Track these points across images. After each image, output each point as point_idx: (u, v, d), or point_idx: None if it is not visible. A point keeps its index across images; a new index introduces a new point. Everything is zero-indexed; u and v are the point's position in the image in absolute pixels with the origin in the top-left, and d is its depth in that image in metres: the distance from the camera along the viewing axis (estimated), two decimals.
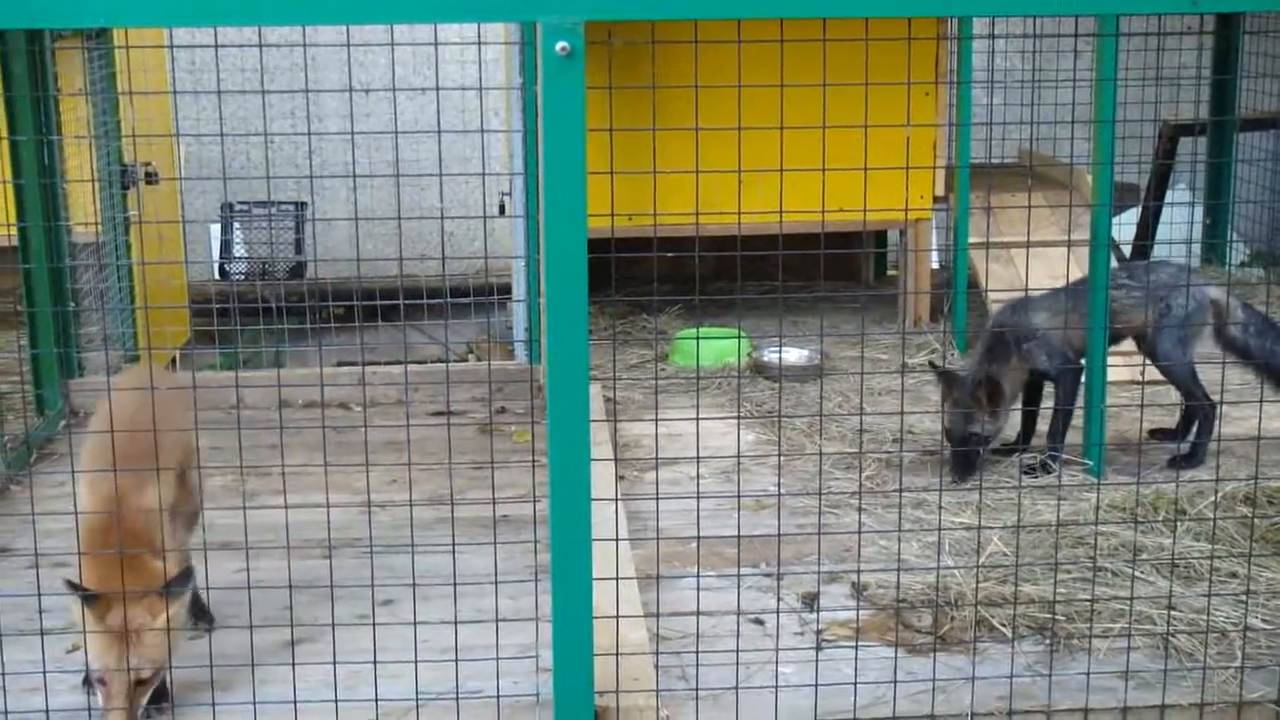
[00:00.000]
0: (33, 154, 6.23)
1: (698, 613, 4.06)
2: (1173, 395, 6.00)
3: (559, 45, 3.35)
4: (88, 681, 3.96)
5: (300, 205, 11.35)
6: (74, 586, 3.70)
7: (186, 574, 3.82)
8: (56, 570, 4.20)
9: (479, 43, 4.17)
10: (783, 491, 5.42)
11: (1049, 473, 5.58)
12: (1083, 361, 5.66)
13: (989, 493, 5.44)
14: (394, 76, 4.28)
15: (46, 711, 3.78)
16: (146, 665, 3.69)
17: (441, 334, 6.49)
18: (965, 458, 5.60)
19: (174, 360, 8.31)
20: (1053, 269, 6.91)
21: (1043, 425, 5.87)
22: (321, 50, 11.43)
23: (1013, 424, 5.92)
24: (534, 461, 4.10)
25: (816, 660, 4.08)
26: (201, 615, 4.28)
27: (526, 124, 6.28)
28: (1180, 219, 9.48)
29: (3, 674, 3.91)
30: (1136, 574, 4.66)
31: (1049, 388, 5.88)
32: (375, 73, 11.38)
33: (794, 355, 7.28)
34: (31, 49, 6.26)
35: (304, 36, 4.41)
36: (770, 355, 7.18)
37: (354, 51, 11.32)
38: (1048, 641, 4.32)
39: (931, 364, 5.69)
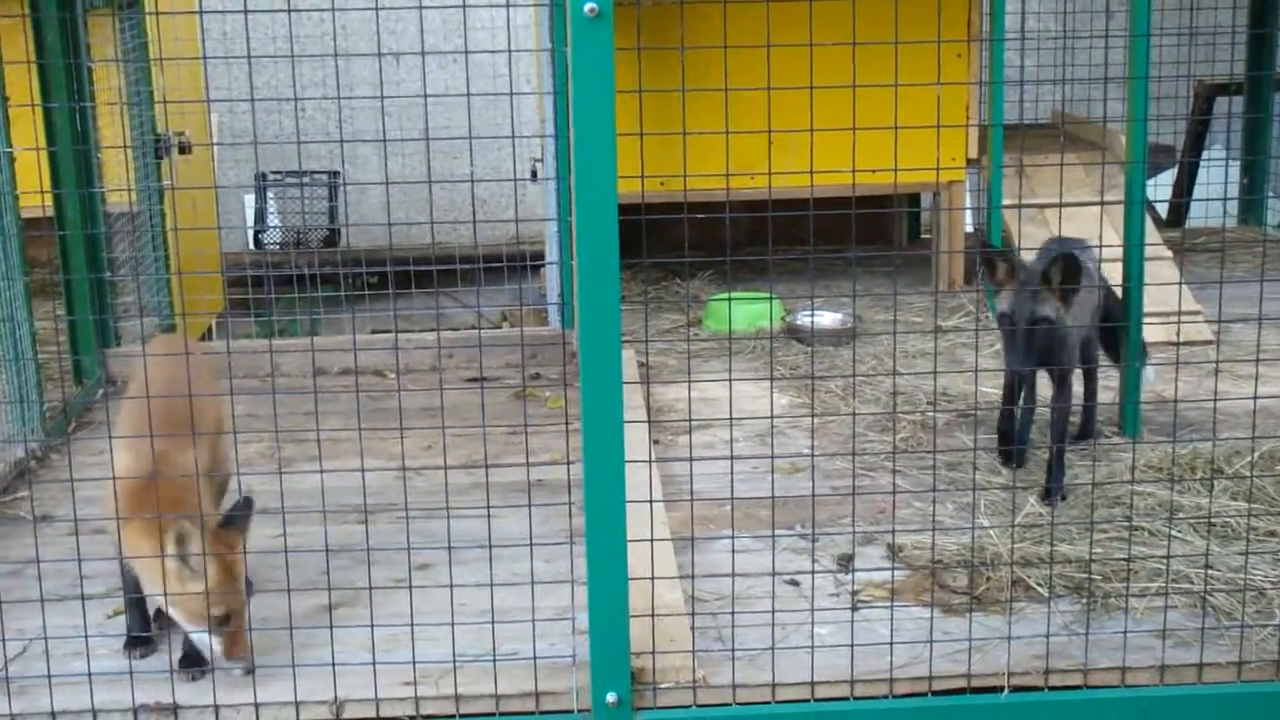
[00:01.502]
0: (67, 122, 6.26)
1: (733, 574, 4.07)
2: (1210, 354, 5.97)
3: (587, 6, 3.35)
4: (133, 644, 3.99)
5: (333, 174, 11.37)
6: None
7: (248, 502, 3.88)
8: (96, 537, 4.24)
9: (507, 5, 4.16)
10: (817, 454, 5.42)
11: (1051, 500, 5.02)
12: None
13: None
14: (423, 43, 4.27)
15: (89, 675, 3.81)
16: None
17: (474, 300, 6.49)
18: (1029, 340, 4.90)
19: (210, 329, 8.36)
20: (1088, 230, 6.87)
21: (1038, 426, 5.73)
22: (352, 19, 11.43)
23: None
24: (568, 426, 4.10)
25: (852, 621, 4.08)
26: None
27: (556, 87, 6.27)
28: (1216, 179, 9.41)
29: (46, 639, 3.95)
30: (1173, 533, 4.65)
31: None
32: (405, 41, 11.39)
33: (827, 318, 7.27)
34: (64, 16, 6.28)
35: (333, 2, 4.41)
36: (803, 319, 7.17)
37: (384, 20, 11.33)
38: (1084, 601, 4.31)
39: (984, 245, 5.37)
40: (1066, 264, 4.87)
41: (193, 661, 3.92)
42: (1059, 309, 4.93)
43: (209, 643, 3.82)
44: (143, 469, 3.86)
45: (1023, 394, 5.33)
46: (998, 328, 5.09)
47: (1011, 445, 5.29)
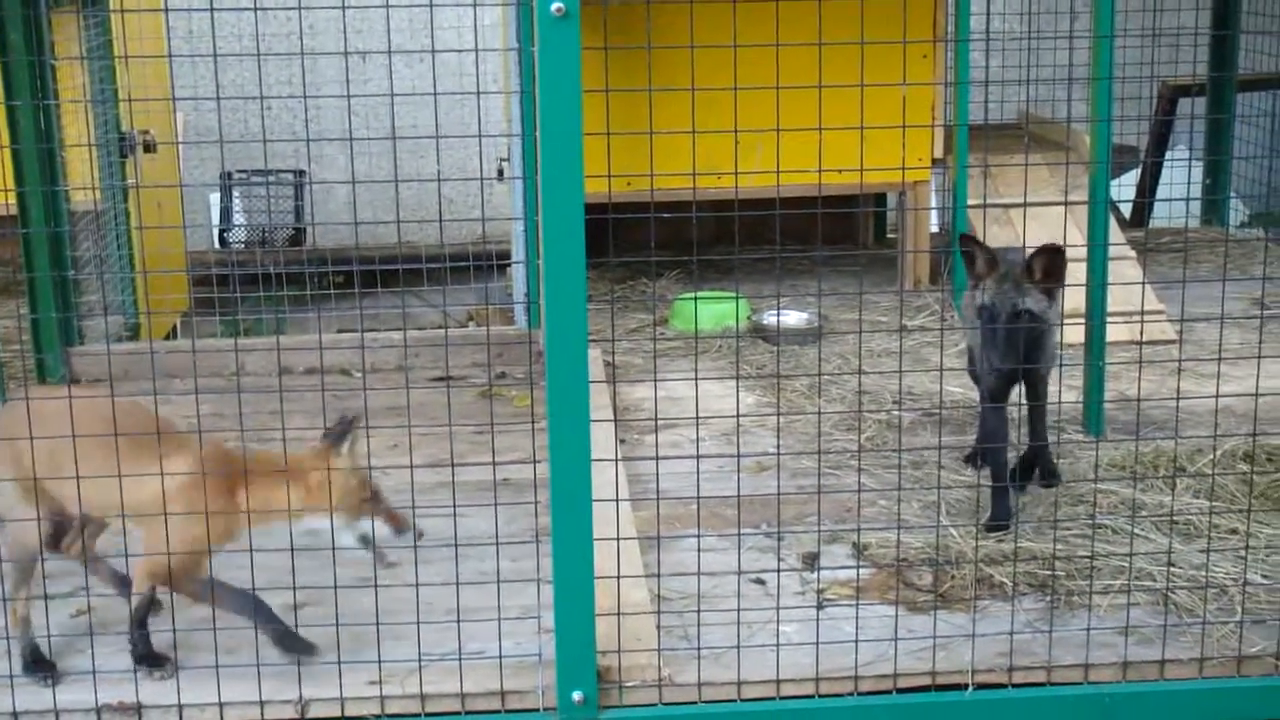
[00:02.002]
0: (30, 120, 6.22)
1: (699, 573, 4.08)
2: (1173, 353, 6.00)
3: (554, 6, 3.36)
4: (154, 660, 3.98)
5: (299, 173, 11.34)
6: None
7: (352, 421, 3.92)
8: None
9: (474, 4, 4.17)
10: (783, 452, 5.43)
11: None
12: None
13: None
14: (389, 42, 4.27)
15: (52, 673, 3.80)
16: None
17: (441, 300, 6.49)
18: (1010, 335, 4.64)
19: (175, 328, 8.33)
20: (1052, 230, 6.90)
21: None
22: (319, 18, 11.40)
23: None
24: (534, 425, 4.10)
25: (818, 619, 4.10)
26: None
27: (523, 86, 6.27)
28: (1179, 179, 9.47)
29: (8, 639, 3.93)
30: (1136, 531, 4.68)
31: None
32: (372, 40, 11.36)
33: (793, 318, 7.29)
34: (28, 14, 6.25)
35: (299, 0, 4.40)
36: (769, 318, 7.18)
37: (351, 19, 11.29)
38: (1048, 598, 4.34)
39: (965, 236, 5.03)
40: (1050, 258, 4.67)
41: (154, 661, 3.91)
42: (1044, 303, 4.70)
43: (372, 531, 3.86)
44: (208, 449, 3.88)
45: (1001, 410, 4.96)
46: (976, 323, 4.84)
47: (998, 484, 4.86)
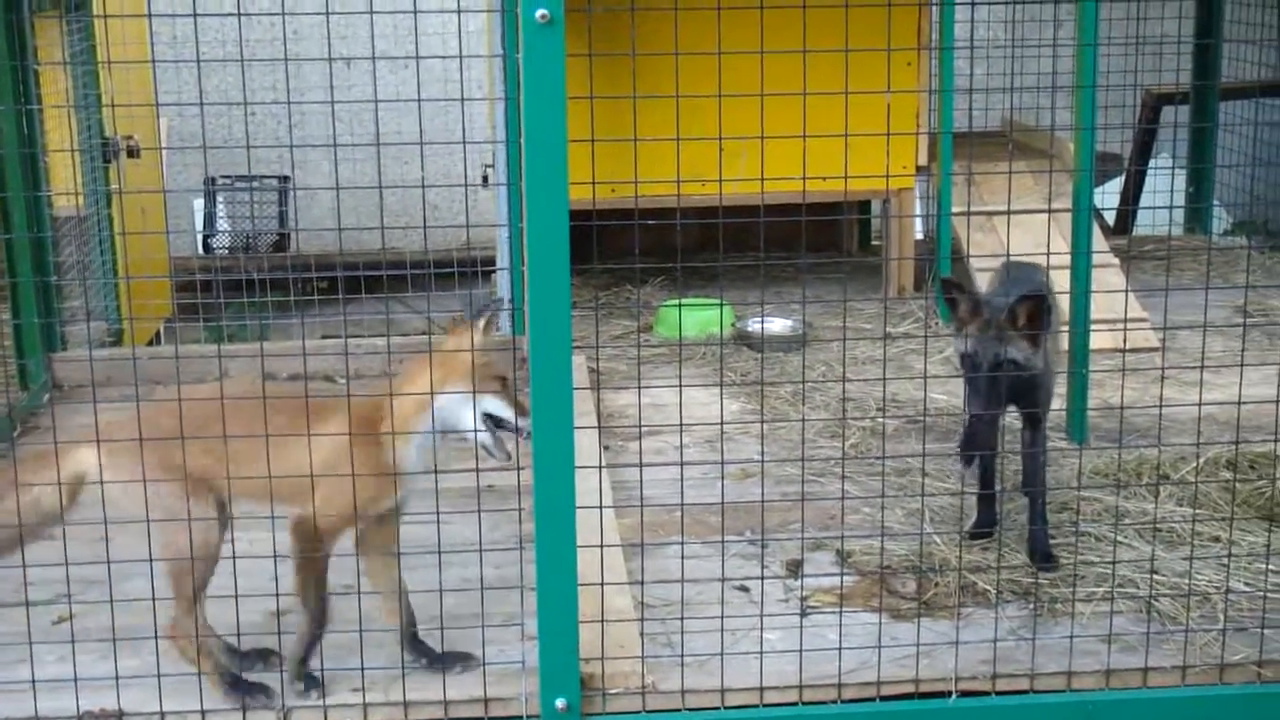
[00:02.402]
0: (13, 125, 6.20)
1: (683, 580, 4.08)
2: (1156, 361, 6.01)
3: (539, 12, 3.36)
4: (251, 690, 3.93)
5: (283, 179, 11.32)
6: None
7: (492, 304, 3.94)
8: (41, 542, 4.19)
9: (459, 11, 4.17)
10: (767, 460, 5.44)
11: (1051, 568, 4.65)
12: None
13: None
14: (373, 48, 4.27)
15: (33, 682, 3.78)
16: None
17: (425, 306, 6.47)
18: (992, 383, 4.48)
19: (158, 333, 8.31)
20: (1036, 237, 6.92)
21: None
22: (303, 23, 11.39)
23: None
24: (518, 431, 4.10)
25: (801, 626, 4.09)
26: None
27: (508, 93, 6.27)
28: (1163, 187, 9.50)
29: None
30: (1119, 539, 4.69)
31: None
32: (357, 46, 11.35)
33: (777, 325, 7.29)
34: (10, 19, 6.23)
35: (283, 6, 4.39)
36: (754, 325, 7.19)
37: (336, 25, 11.29)
38: (1031, 606, 4.34)
39: (946, 280, 4.86)
40: (1033, 305, 4.46)
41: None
42: (1028, 351, 4.50)
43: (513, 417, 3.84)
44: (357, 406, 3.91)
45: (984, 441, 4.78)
46: (959, 369, 4.68)
47: (985, 490, 4.89)
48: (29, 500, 3.83)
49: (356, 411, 3.90)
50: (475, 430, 3.84)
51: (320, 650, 3.86)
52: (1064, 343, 5.04)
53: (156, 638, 3.87)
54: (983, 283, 6.91)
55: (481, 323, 3.85)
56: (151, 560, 3.83)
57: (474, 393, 3.81)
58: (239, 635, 3.94)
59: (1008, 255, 5.62)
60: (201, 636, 3.86)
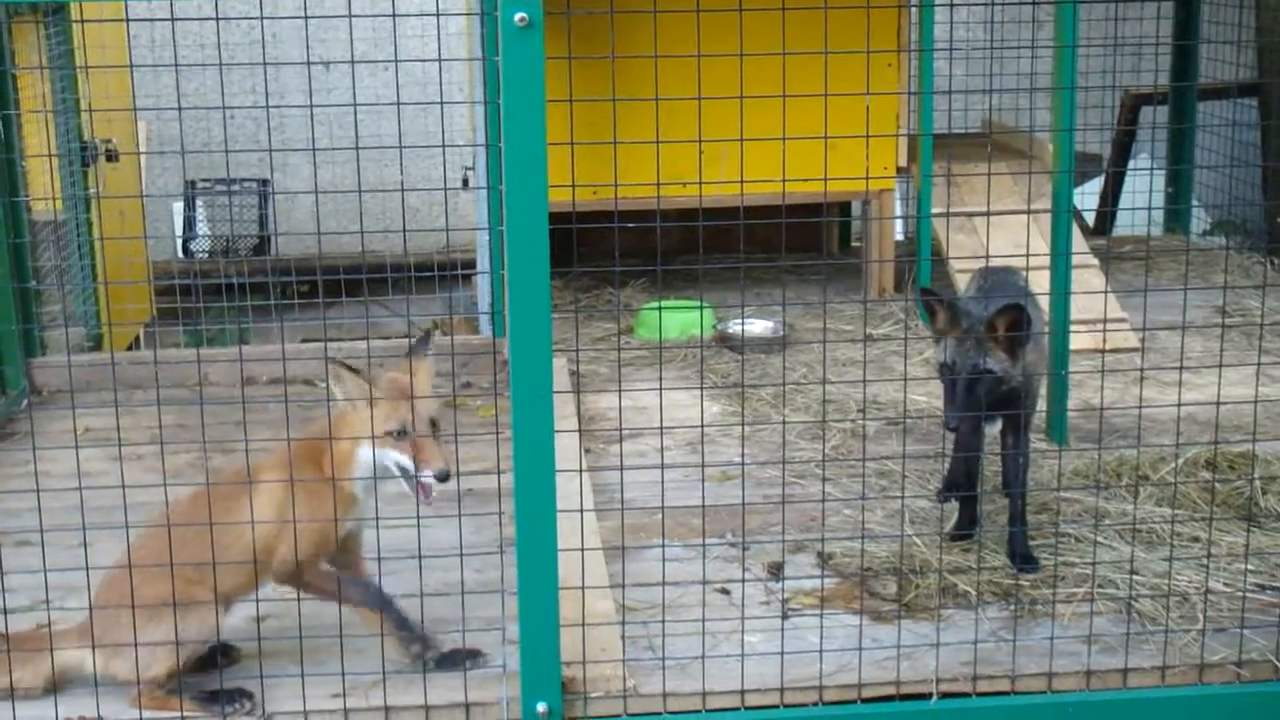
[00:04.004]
0: None
1: (664, 583, 4.07)
2: (1135, 361, 6.00)
3: (517, 15, 3.35)
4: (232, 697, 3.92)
5: (263, 182, 11.30)
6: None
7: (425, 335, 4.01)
8: (20, 549, 4.19)
9: (437, 14, 4.16)
10: (748, 462, 5.44)
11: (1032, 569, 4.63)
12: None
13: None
14: (353, 51, 4.27)
15: (11, 690, 3.77)
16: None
17: (405, 309, 6.47)
18: (970, 392, 4.46)
19: (138, 338, 8.28)
20: (1015, 238, 6.94)
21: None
22: (283, 27, 11.37)
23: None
24: (498, 435, 4.09)
25: (782, 629, 4.09)
26: None
27: (488, 96, 6.26)
28: (1142, 188, 9.52)
29: None
30: (1099, 539, 4.69)
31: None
32: (336, 49, 11.33)
33: (758, 327, 7.30)
34: None
35: (261, 9, 4.38)
36: (734, 327, 7.19)
37: (315, 29, 11.26)
38: (1012, 607, 4.35)
39: (925, 290, 4.83)
40: (1012, 316, 4.43)
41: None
42: (1005, 362, 4.48)
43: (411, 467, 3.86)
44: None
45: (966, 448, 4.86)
46: (939, 378, 4.65)
47: (959, 492, 4.91)
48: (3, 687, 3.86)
49: (295, 452, 3.93)
50: (389, 477, 3.92)
51: (300, 654, 3.85)
52: (1045, 346, 5.02)
53: (136, 644, 3.85)
54: (963, 284, 6.93)
55: (410, 363, 3.91)
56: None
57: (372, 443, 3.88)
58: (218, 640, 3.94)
59: (987, 258, 5.64)
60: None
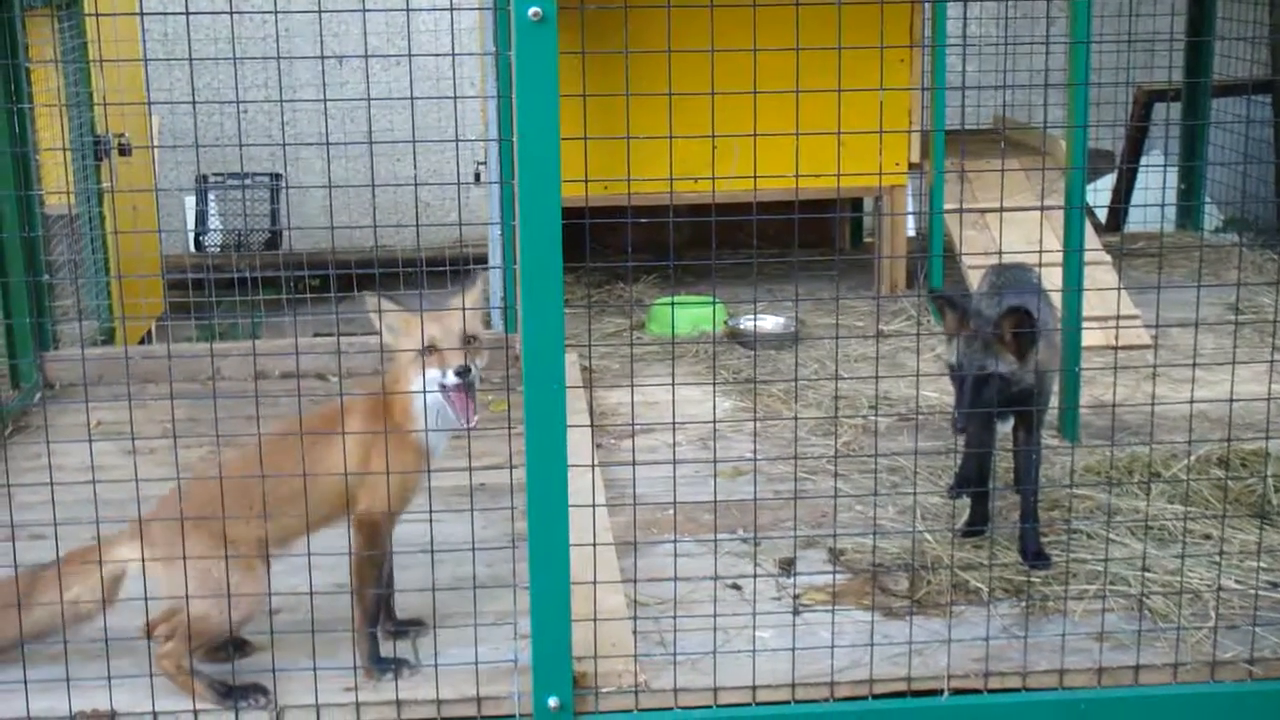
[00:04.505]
0: (4, 124, 6.19)
1: (675, 578, 4.07)
2: (1148, 358, 5.98)
3: (531, 10, 3.35)
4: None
5: (275, 176, 11.30)
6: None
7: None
8: (33, 542, 4.19)
9: (451, 9, 4.16)
10: (759, 458, 5.44)
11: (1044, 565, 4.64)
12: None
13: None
14: (366, 45, 4.27)
15: (25, 682, 3.78)
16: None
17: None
18: (978, 393, 4.49)
19: (150, 332, 8.29)
20: (1028, 235, 6.92)
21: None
22: (295, 22, 11.37)
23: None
24: (510, 430, 4.10)
25: (794, 625, 4.09)
26: None
27: (500, 90, 6.26)
28: (1155, 184, 9.50)
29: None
30: (1111, 536, 4.69)
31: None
32: (349, 44, 11.33)
33: (769, 322, 7.29)
34: (1, 17, 6.22)
35: (275, 3, 4.39)
36: (746, 322, 7.19)
37: (328, 23, 11.27)
38: (1023, 604, 4.34)
39: (934, 291, 4.83)
40: (1018, 319, 4.45)
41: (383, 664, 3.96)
42: (1013, 363, 4.49)
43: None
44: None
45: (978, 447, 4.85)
46: (949, 377, 4.66)
47: (971, 488, 4.93)
48: (69, 602, 3.86)
49: (363, 399, 4.01)
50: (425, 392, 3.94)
51: (313, 648, 3.85)
52: (1059, 344, 4.99)
53: (149, 638, 3.87)
54: (974, 281, 6.92)
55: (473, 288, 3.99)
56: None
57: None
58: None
59: (1000, 254, 5.63)
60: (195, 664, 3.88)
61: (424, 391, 3.90)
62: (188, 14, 3.80)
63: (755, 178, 3.71)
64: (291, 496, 3.83)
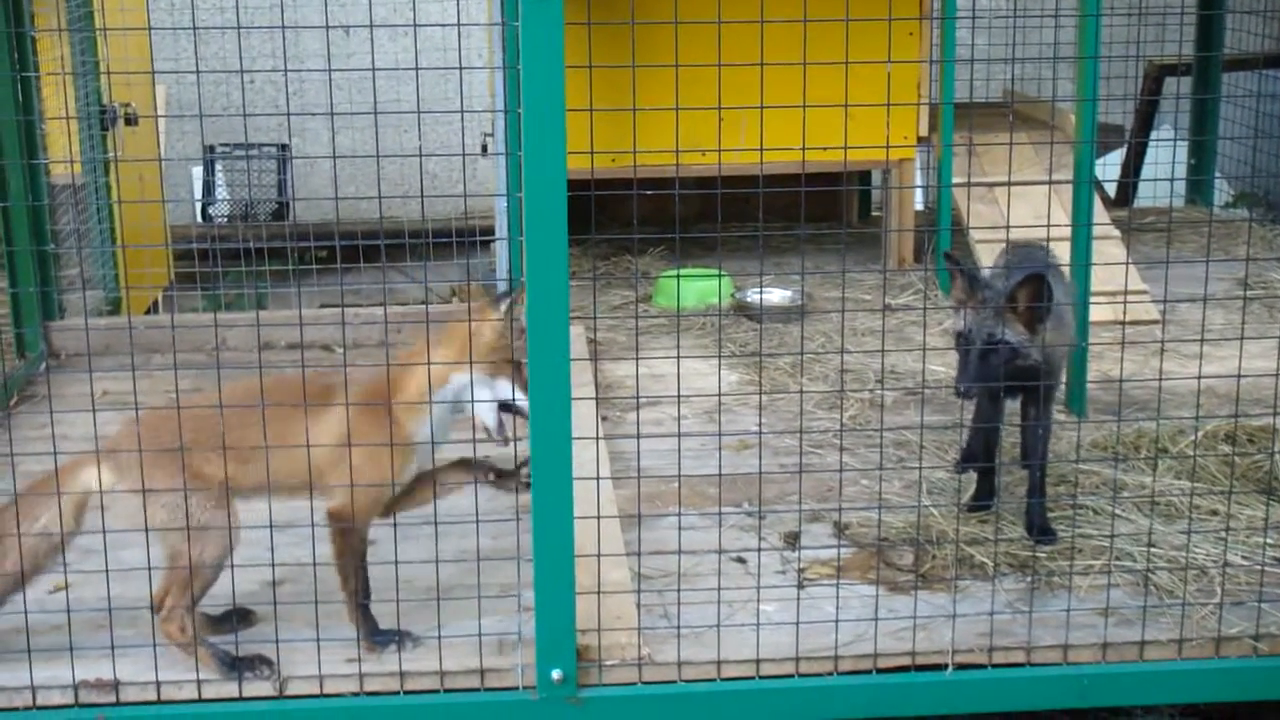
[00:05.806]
0: (10, 92, 6.18)
1: (679, 551, 4.07)
2: (1156, 334, 5.95)
3: None
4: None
5: (282, 147, 11.29)
6: None
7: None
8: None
9: None
10: (765, 431, 5.43)
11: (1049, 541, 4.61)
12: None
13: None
14: (371, 15, 4.25)
15: (28, 651, 3.78)
16: None
17: (423, 275, 6.47)
18: (984, 361, 4.40)
19: (156, 302, 8.29)
20: (1037, 209, 6.90)
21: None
22: None
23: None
24: (515, 402, 4.09)
25: (798, 599, 4.09)
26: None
27: (507, 62, 6.24)
28: (1164, 159, 9.46)
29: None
30: (1117, 512, 4.68)
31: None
32: (356, 13, 11.30)
33: (776, 295, 7.28)
34: None
35: None
36: (752, 296, 7.17)
37: None
38: (1028, 579, 4.34)
39: (948, 255, 4.75)
40: (1033, 287, 4.36)
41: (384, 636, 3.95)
42: (1023, 335, 4.41)
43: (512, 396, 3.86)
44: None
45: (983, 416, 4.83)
46: (954, 347, 4.58)
47: (977, 463, 4.86)
48: (39, 531, 3.82)
49: (367, 385, 3.90)
50: (480, 407, 3.87)
51: (316, 619, 3.85)
52: (1071, 321, 4.95)
53: (153, 608, 3.87)
54: (983, 255, 6.91)
55: (506, 304, 3.86)
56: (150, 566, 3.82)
57: (470, 373, 3.82)
58: (234, 604, 3.95)
59: (1007, 229, 5.61)
60: (198, 628, 3.86)
61: (472, 401, 3.86)
62: None
63: (762, 150, 3.69)
64: (260, 450, 3.79)
